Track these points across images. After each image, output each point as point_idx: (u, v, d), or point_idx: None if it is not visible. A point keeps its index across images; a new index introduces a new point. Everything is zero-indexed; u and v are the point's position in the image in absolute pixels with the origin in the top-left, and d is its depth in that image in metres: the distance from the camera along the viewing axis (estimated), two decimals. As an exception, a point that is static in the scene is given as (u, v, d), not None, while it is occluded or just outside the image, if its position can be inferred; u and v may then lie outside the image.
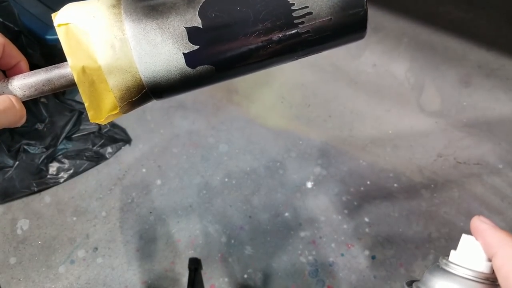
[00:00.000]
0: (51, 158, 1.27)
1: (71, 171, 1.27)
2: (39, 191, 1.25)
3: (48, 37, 1.29)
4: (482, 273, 0.26)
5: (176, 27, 0.29)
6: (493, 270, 0.26)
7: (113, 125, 1.35)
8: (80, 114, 1.31)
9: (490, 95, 1.40)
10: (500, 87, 1.41)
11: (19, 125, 0.32)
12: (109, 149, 1.31)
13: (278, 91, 1.45)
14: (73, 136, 1.31)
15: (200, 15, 0.29)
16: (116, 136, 1.33)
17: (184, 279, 1.09)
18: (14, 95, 0.31)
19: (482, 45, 1.48)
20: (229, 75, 0.32)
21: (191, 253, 1.14)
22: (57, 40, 1.28)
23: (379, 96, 1.44)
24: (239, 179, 1.27)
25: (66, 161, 1.27)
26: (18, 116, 0.31)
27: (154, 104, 1.40)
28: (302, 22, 0.30)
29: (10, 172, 1.21)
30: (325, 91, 1.46)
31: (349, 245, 1.16)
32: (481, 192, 1.24)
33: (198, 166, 1.29)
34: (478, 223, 0.27)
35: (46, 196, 1.25)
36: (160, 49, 0.29)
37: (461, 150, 1.32)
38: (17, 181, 1.22)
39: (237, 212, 1.21)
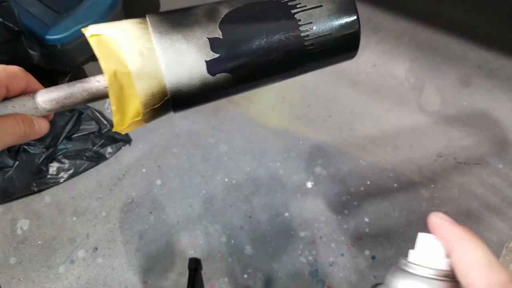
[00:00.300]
0: (51, 158, 1.27)
1: (71, 171, 1.27)
2: (39, 191, 1.25)
3: (48, 37, 1.29)
4: (441, 270, 0.26)
5: (199, 37, 0.33)
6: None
7: (113, 125, 1.35)
8: (80, 114, 1.31)
9: (490, 95, 1.40)
10: (500, 87, 1.41)
11: (36, 137, 0.33)
12: (109, 149, 1.31)
13: (278, 91, 1.45)
14: (73, 136, 1.31)
15: (220, 27, 0.34)
16: (116, 136, 1.33)
17: (184, 279, 1.09)
18: (30, 112, 0.33)
19: (482, 45, 1.48)
20: (244, 86, 0.36)
21: (191, 253, 1.14)
22: (57, 40, 1.29)
23: (379, 96, 1.44)
24: (239, 179, 1.27)
25: (66, 161, 1.27)
26: (27, 135, 0.32)
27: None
28: (307, 36, 0.35)
29: (10, 172, 1.21)
30: (325, 91, 1.46)
31: (349, 245, 1.16)
32: (481, 192, 1.24)
33: (198, 166, 1.29)
34: (436, 219, 0.26)
35: (46, 196, 1.25)
36: (185, 56, 0.33)
37: (461, 150, 1.32)
38: (17, 181, 1.22)
39: (237, 212, 1.21)
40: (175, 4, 1.73)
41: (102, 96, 0.34)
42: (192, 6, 0.35)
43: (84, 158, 1.29)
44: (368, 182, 1.26)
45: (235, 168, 1.29)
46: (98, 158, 1.30)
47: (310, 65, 0.37)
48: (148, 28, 0.33)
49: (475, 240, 0.24)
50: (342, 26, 0.36)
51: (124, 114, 0.33)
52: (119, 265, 1.13)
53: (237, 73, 0.34)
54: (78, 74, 1.43)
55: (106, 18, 1.38)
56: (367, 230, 1.18)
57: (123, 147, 1.33)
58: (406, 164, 1.30)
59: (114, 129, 0.34)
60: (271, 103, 1.44)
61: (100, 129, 1.33)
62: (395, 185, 1.26)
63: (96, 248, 1.16)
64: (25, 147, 1.24)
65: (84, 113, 1.32)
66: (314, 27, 0.35)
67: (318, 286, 1.10)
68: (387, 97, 1.44)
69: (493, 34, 1.50)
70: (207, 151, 1.33)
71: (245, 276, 1.11)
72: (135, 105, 0.33)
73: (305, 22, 0.35)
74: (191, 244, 1.16)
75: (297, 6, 0.35)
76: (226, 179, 1.27)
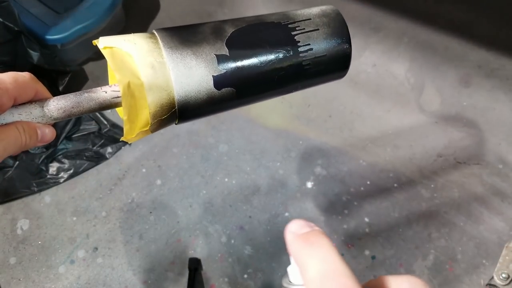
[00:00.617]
0: (51, 158, 1.27)
1: (71, 171, 1.27)
2: (39, 191, 1.25)
3: (48, 37, 1.29)
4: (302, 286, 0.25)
5: (207, 53, 0.36)
6: None
7: (113, 125, 1.35)
8: (80, 114, 1.31)
9: (490, 95, 1.40)
10: (500, 87, 1.41)
11: (39, 145, 0.34)
12: (109, 149, 1.31)
13: (278, 91, 1.45)
14: (73, 136, 1.31)
15: (227, 45, 0.36)
16: (116, 136, 1.33)
17: (184, 279, 1.09)
18: (36, 121, 0.33)
19: (482, 45, 1.48)
20: (246, 100, 0.39)
21: (191, 253, 1.14)
22: (57, 40, 1.29)
23: (379, 96, 1.44)
24: (239, 179, 1.27)
25: (66, 161, 1.27)
26: (28, 145, 0.33)
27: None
28: (305, 56, 0.38)
29: (10, 172, 1.21)
30: (325, 91, 1.46)
31: (349, 245, 1.16)
32: (481, 192, 1.24)
33: (198, 166, 1.29)
34: (286, 234, 0.25)
35: (46, 196, 1.25)
36: (194, 71, 0.35)
37: (461, 150, 1.32)
38: (17, 181, 1.22)
39: (237, 212, 1.21)
40: (175, 4, 1.73)
41: (108, 106, 0.35)
42: (198, 23, 0.38)
43: (84, 158, 1.29)
44: (368, 182, 1.26)
45: (235, 168, 1.29)
46: (98, 158, 1.30)
47: (305, 82, 0.41)
48: (159, 43, 0.35)
49: (312, 251, 0.22)
50: (336, 48, 0.40)
51: (134, 124, 0.34)
52: (119, 265, 1.13)
53: (240, 88, 0.37)
54: (78, 74, 1.43)
55: (106, 18, 1.39)
56: (367, 230, 1.18)
57: (123, 147, 1.33)
58: (406, 164, 1.30)
59: (123, 138, 0.35)
60: (271, 103, 1.44)
61: (100, 129, 1.33)
62: (395, 185, 1.26)
63: (96, 248, 1.16)
64: (25, 147, 1.24)
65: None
66: (312, 48, 0.39)
67: (318, 286, 1.10)
68: (387, 97, 1.44)
69: (493, 34, 1.50)
70: (207, 151, 1.33)
71: (245, 276, 1.11)
72: (145, 115, 0.34)
73: (304, 44, 0.38)
74: (191, 244, 1.16)
75: (297, 28, 0.39)
76: (226, 179, 1.27)
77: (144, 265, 1.13)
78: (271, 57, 0.37)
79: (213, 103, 0.37)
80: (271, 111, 1.43)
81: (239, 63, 0.37)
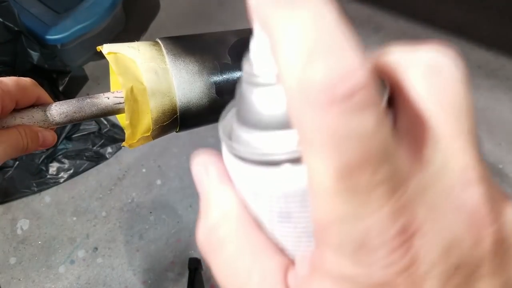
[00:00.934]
0: (51, 158, 1.27)
1: (71, 171, 1.27)
2: (39, 191, 1.25)
3: (48, 37, 1.29)
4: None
5: (210, 61, 0.36)
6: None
7: (113, 125, 1.35)
8: (80, 114, 1.31)
9: (490, 95, 1.40)
10: (500, 87, 1.41)
11: (41, 149, 0.34)
12: (109, 149, 1.31)
13: (278, 91, 1.45)
14: (73, 136, 1.31)
15: (229, 54, 0.37)
16: (116, 136, 1.33)
17: (184, 279, 1.09)
18: (38, 124, 0.34)
19: (482, 45, 1.48)
20: None
21: (191, 253, 1.14)
22: (57, 40, 1.29)
23: (379, 96, 1.44)
24: (239, 179, 1.27)
25: (66, 161, 1.27)
26: (29, 148, 0.33)
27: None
28: None
29: (10, 172, 1.21)
30: (325, 91, 1.46)
31: (349, 245, 1.16)
32: (481, 192, 1.24)
33: (198, 166, 1.29)
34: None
35: (46, 196, 1.25)
36: (197, 78, 0.35)
37: (461, 150, 1.32)
38: (17, 181, 1.22)
39: (237, 212, 1.21)
40: (175, 4, 1.73)
41: (110, 112, 0.35)
42: (200, 33, 0.39)
43: (84, 158, 1.29)
44: (368, 182, 1.26)
45: (235, 168, 1.29)
46: (98, 158, 1.30)
47: None
48: (162, 50, 0.36)
49: (290, 7, 0.12)
50: None
51: (136, 129, 0.35)
52: (119, 265, 1.13)
53: None
54: (78, 74, 1.43)
55: (106, 18, 1.39)
56: (367, 230, 1.18)
57: (123, 147, 1.33)
58: (406, 164, 1.30)
59: (124, 144, 0.35)
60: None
61: (100, 129, 1.33)
62: (395, 185, 1.26)
63: (96, 248, 1.16)
64: (25, 147, 1.24)
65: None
66: None
67: (318, 286, 1.10)
68: (387, 97, 1.44)
69: (493, 34, 1.50)
70: (207, 151, 1.33)
71: (245, 276, 1.11)
72: (147, 120, 0.35)
73: None
74: (191, 244, 1.16)
75: None
76: (226, 179, 1.27)
77: (144, 265, 1.13)
78: None
79: (215, 111, 0.37)
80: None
81: (241, 70, 0.37)
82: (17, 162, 1.22)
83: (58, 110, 0.33)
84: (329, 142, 0.11)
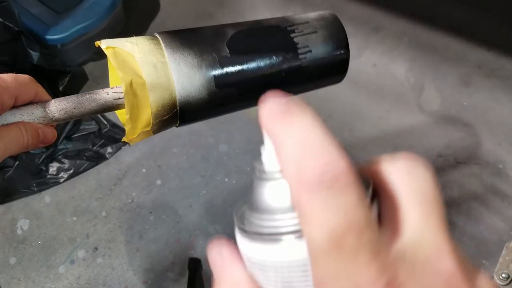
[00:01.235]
0: (51, 158, 1.27)
1: (71, 171, 1.27)
2: (39, 191, 1.25)
3: (48, 37, 1.29)
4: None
5: (209, 54, 0.36)
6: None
7: (113, 125, 1.35)
8: (80, 114, 1.31)
9: (490, 95, 1.40)
10: (500, 87, 1.41)
11: (41, 146, 0.35)
12: (109, 149, 1.31)
13: (278, 91, 1.45)
14: (73, 136, 1.31)
15: (228, 46, 0.37)
16: (116, 136, 1.33)
17: (184, 279, 1.09)
18: (38, 121, 0.34)
19: (482, 45, 1.48)
20: (247, 103, 0.40)
21: (191, 253, 1.14)
22: (57, 40, 1.29)
23: (379, 96, 1.44)
24: (239, 179, 1.27)
25: (66, 161, 1.27)
26: (30, 145, 0.33)
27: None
28: (305, 58, 0.39)
29: (10, 172, 1.21)
30: (325, 91, 1.46)
31: (349, 245, 1.16)
32: (481, 192, 1.24)
33: (198, 166, 1.29)
34: (261, 111, 0.18)
35: (46, 196, 1.25)
36: (196, 71, 0.35)
37: (461, 150, 1.32)
38: (17, 181, 1.22)
39: (237, 212, 1.21)
40: (175, 4, 1.73)
41: (110, 108, 0.35)
42: (199, 27, 0.39)
43: (84, 158, 1.29)
44: (368, 182, 1.26)
45: (235, 168, 1.29)
46: (98, 158, 1.30)
47: (305, 86, 0.43)
48: (160, 44, 0.36)
49: (288, 123, 0.17)
50: (334, 51, 0.41)
51: (135, 123, 0.35)
52: (119, 265, 1.13)
53: (241, 89, 0.38)
54: (78, 74, 1.43)
55: (106, 18, 1.38)
56: (367, 230, 1.18)
57: (123, 147, 1.33)
58: (406, 164, 1.30)
59: (124, 139, 0.35)
60: (271, 103, 1.44)
61: (100, 129, 1.33)
62: (395, 185, 1.26)
63: (96, 248, 1.16)
64: (25, 147, 1.24)
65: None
66: (310, 51, 0.40)
67: (318, 286, 1.10)
68: (387, 97, 1.44)
69: (493, 34, 1.50)
70: (207, 151, 1.33)
71: (245, 276, 1.11)
72: (146, 115, 0.35)
73: (303, 46, 0.39)
74: (191, 244, 1.16)
75: (295, 31, 0.39)
76: (226, 179, 1.27)
77: (144, 265, 1.13)
78: (271, 59, 0.38)
79: (215, 104, 0.37)
80: (271, 111, 1.42)
81: (240, 63, 0.37)
82: (17, 162, 1.22)
83: (58, 107, 0.33)
84: (321, 214, 0.15)
